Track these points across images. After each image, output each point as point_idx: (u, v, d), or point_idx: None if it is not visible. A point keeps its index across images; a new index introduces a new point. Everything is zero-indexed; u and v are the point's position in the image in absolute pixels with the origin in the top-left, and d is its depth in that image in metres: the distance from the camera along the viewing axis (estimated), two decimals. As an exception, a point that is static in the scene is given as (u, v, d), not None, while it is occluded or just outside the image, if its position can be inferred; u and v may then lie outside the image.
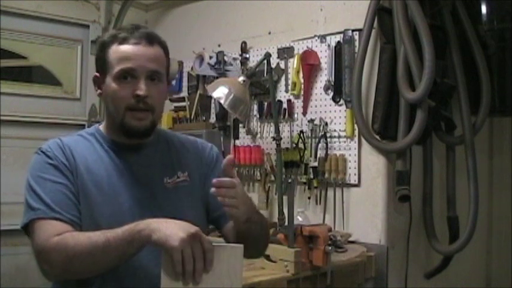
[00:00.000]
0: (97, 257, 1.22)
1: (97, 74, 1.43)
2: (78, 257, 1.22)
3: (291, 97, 2.81)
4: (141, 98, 1.35)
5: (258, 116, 2.93)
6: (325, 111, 2.68)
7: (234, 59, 3.03)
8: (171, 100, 3.36)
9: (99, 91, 1.44)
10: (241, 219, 1.34)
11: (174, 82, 3.37)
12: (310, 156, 2.68)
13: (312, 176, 2.65)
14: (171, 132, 1.62)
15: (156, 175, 1.44)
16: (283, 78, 2.85)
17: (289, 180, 2.30)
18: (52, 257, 1.24)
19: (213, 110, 3.13)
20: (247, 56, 3.00)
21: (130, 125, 1.37)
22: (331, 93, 2.66)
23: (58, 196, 1.31)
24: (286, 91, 2.84)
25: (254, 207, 1.42)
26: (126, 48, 1.37)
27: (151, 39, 1.39)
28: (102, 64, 1.40)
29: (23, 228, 1.33)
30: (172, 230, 1.17)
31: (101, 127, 1.48)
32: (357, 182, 2.55)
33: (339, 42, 2.64)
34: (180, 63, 3.36)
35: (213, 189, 1.27)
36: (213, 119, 3.13)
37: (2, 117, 3.10)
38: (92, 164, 1.39)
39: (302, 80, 2.76)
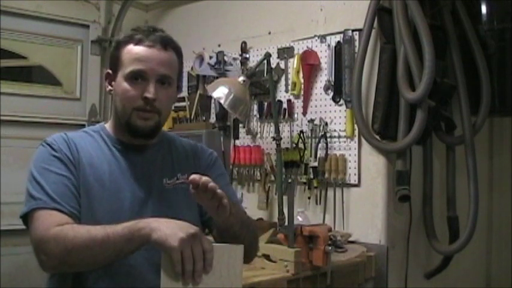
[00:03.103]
0: (95, 251, 1.22)
1: (109, 71, 1.46)
2: (76, 249, 1.22)
3: (291, 97, 2.81)
4: (149, 101, 1.37)
5: (258, 116, 2.93)
6: (325, 111, 2.68)
7: (234, 59, 3.02)
8: (171, 100, 3.35)
9: (109, 87, 1.47)
10: (227, 213, 1.30)
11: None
12: (310, 156, 2.68)
13: (312, 176, 2.65)
14: (174, 135, 1.64)
15: (156, 175, 1.46)
16: (283, 78, 2.85)
17: (289, 180, 2.31)
18: (50, 247, 1.24)
19: (213, 110, 3.13)
20: (247, 56, 3.00)
21: (136, 124, 1.40)
22: (331, 93, 2.66)
23: (60, 188, 1.33)
24: (286, 91, 2.84)
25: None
26: (139, 49, 1.39)
27: (166, 43, 1.42)
28: (115, 62, 1.43)
29: (22, 217, 1.34)
30: (172, 229, 1.17)
31: (107, 125, 1.51)
32: (357, 182, 2.55)
33: (339, 42, 2.64)
34: (180, 63, 3.35)
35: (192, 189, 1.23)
36: (213, 119, 3.13)
37: (2, 117, 3.09)
38: (95, 159, 1.41)
39: (302, 80, 2.76)
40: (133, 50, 1.40)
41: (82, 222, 1.32)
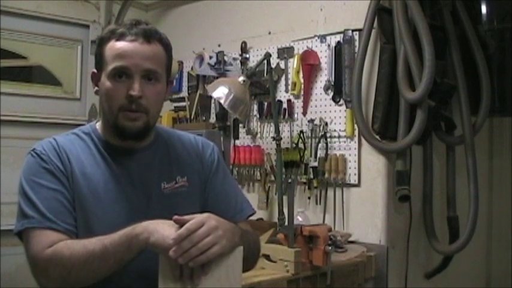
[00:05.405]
0: (95, 265, 1.18)
1: (94, 71, 1.37)
2: (76, 268, 1.18)
3: (291, 97, 2.81)
4: (134, 99, 1.28)
5: (258, 116, 2.93)
6: (325, 111, 2.68)
7: (234, 59, 3.02)
8: (171, 100, 3.36)
9: (96, 88, 1.37)
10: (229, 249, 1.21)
11: (174, 82, 3.37)
12: (310, 156, 2.68)
13: (312, 176, 2.65)
14: (171, 131, 1.53)
15: (153, 180, 1.38)
16: (283, 78, 2.85)
17: (289, 180, 2.30)
18: (49, 270, 1.20)
19: (213, 110, 3.13)
20: (247, 56, 3.00)
21: (123, 125, 1.30)
22: (331, 93, 2.66)
23: (53, 204, 1.26)
24: (286, 91, 2.83)
25: (237, 231, 1.26)
26: (121, 45, 1.30)
27: (150, 36, 1.31)
28: (99, 60, 1.35)
29: (16, 234, 1.30)
30: (170, 231, 1.15)
31: (98, 125, 1.41)
32: (357, 182, 2.54)
33: (339, 42, 2.64)
34: (180, 63, 3.36)
35: (172, 252, 1.13)
36: (213, 119, 3.12)
37: (2, 117, 3.09)
38: (88, 168, 1.33)
39: (302, 80, 2.76)
40: (115, 46, 1.30)
41: (79, 236, 1.26)
